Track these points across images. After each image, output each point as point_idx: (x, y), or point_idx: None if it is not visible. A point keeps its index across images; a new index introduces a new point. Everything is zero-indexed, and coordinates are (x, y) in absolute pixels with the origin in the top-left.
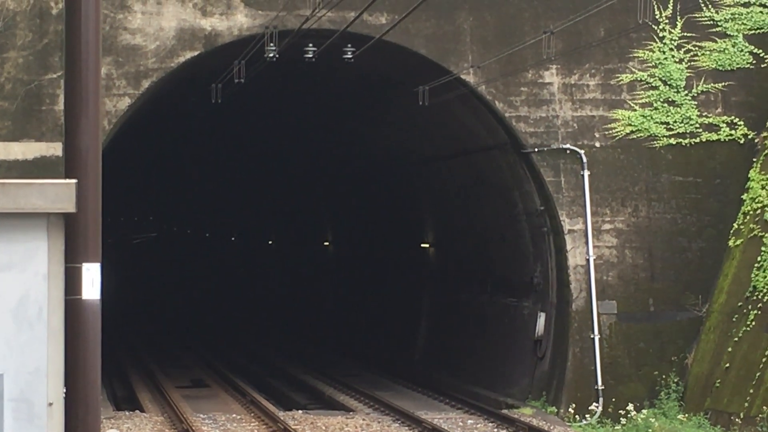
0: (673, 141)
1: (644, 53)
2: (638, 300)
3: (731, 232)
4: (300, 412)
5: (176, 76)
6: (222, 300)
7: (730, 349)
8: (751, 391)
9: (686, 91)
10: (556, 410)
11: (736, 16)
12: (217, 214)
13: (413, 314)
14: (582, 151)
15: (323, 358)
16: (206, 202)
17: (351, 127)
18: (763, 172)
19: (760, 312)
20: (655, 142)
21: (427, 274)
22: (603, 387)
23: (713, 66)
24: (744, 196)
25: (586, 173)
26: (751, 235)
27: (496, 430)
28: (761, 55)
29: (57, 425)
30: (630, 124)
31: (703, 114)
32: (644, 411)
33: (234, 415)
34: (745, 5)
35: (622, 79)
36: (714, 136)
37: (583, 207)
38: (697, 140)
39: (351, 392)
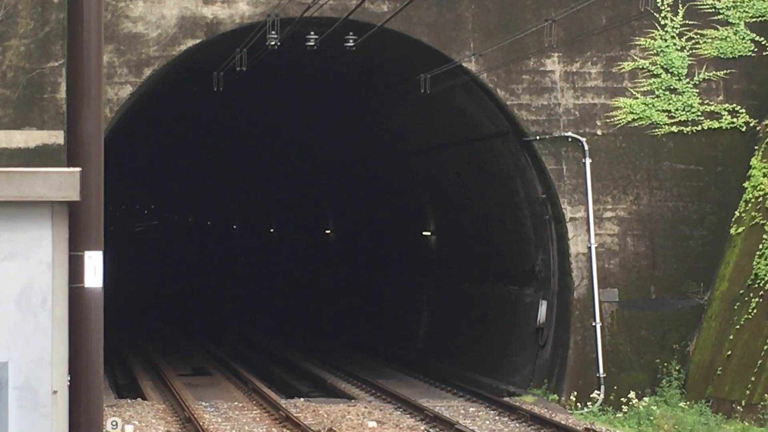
0: (674, 129)
1: (646, 41)
2: (640, 288)
3: (733, 219)
4: (302, 399)
5: (178, 64)
6: (223, 288)
7: (731, 337)
8: (753, 378)
9: (688, 79)
10: (557, 398)
11: (738, 3)
12: (219, 202)
13: (415, 302)
14: (584, 139)
15: (325, 347)
16: (208, 190)
17: (352, 115)
18: (764, 160)
19: (761, 300)
20: (656, 129)
21: (429, 263)
22: (604, 375)
23: (715, 54)
24: (746, 184)
25: (588, 161)
26: (753, 222)
27: (497, 417)
28: (763, 42)
29: (61, 413)
30: (632, 112)
31: (705, 102)
32: (646, 399)
33: (236, 403)
34: None
35: (624, 67)
36: (716, 124)
37: (585, 195)
38: (699, 128)
39: (352, 380)
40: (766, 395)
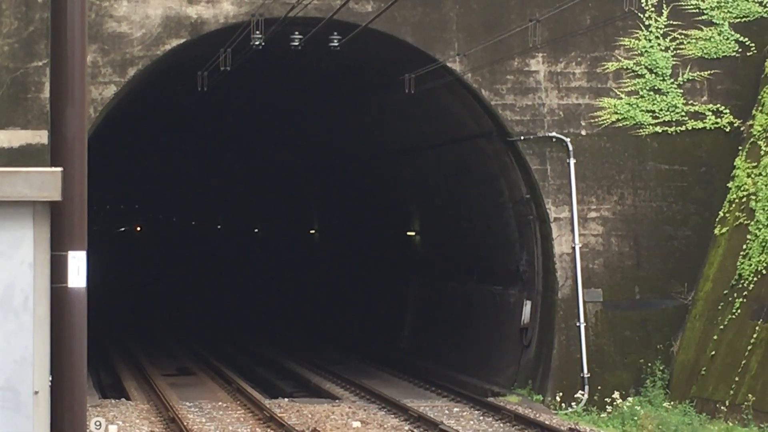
0: (659, 129)
1: (630, 41)
2: (624, 288)
3: (717, 220)
4: (286, 400)
5: (162, 64)
6: (208, 288)
7: (715, 337)
8: (737, 378)
9: (672, 80)
10: (542, 398)
11: (722, 4)
12: (203, 202)
13: (400, 302)
14: (568, 139)
15: (309, 347)
16: (192, 190)
17: (337, 115)
18: (748, 161)
19: (745, 300)
20: (640, 130)
21: (414, 263)
22: (589, 375)
23: (699, 54)
24: (730, 185)
25: (572, 161)
26: (737, 223)
27: (482, 417)
28: (747, 43)
29: (43, 413)
30: (616, 113)
31: (689, 102)
32: (630, 399)
33: (220, 403)
34: None
35: (608, 68)
36: (700, 125)
37: (569, 195)
38: (683, 128)
39: (337, 380)
40: (749, 395)
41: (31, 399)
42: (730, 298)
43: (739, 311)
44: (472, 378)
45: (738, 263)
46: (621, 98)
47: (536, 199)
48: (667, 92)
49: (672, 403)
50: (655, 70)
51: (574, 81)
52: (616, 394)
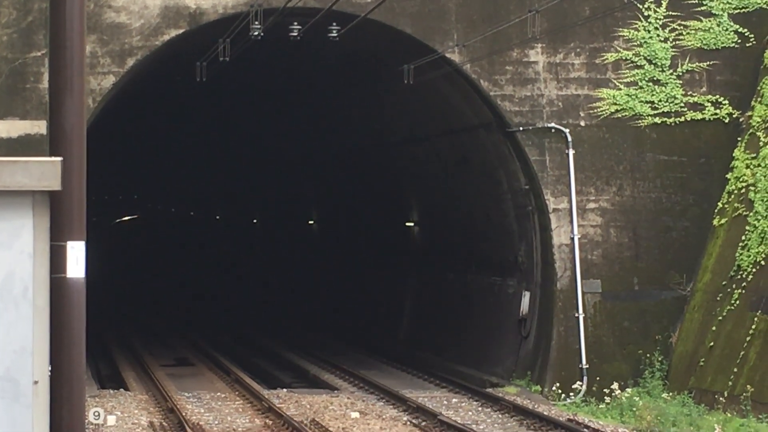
0: (658, 120)
1: (629, 32)
2: (623, 279)
3: (716, 211)
4: (284, 390)
5: (161, 54)
6: (206, 279)
7: (714, 328)
8: (735, 369)
9: (671, 70)
10: (540, 389)
11: None
12: (202, 193)
13: (398, 293)
14: (567, 130)
15: (308, 338)
16: (191, 181)
17: (336, 106)
18: (747, 151)
19: (744, 291)
20: (640, 121)
21: (412, 253)
22: (587, 366)
23: (698, 45)
24: (728, 175)
25: (571, 152)
26: (736, 214)
27: (480, 408)
28: (746, 34)
29: (42, 403)
30: (615, 103)
31: (688, 93)
32: (628, 390)
33: (219, 394)
34: None
35: (607, 58)
36: (699, 116)
37: (568, 186)
38: (682, 119)
39: (335, 371)
40: (748, 386)
41: (30, 389)
42: (728, 289)
43: (737, 302)
44: (470, 369)
45: (737, 254)
46: (620, 89)
47: (535, 190)
48: (666, 83)
49: (670, 394)
50: (654, 61)
51: (573, 72)
52: (615, 385)
